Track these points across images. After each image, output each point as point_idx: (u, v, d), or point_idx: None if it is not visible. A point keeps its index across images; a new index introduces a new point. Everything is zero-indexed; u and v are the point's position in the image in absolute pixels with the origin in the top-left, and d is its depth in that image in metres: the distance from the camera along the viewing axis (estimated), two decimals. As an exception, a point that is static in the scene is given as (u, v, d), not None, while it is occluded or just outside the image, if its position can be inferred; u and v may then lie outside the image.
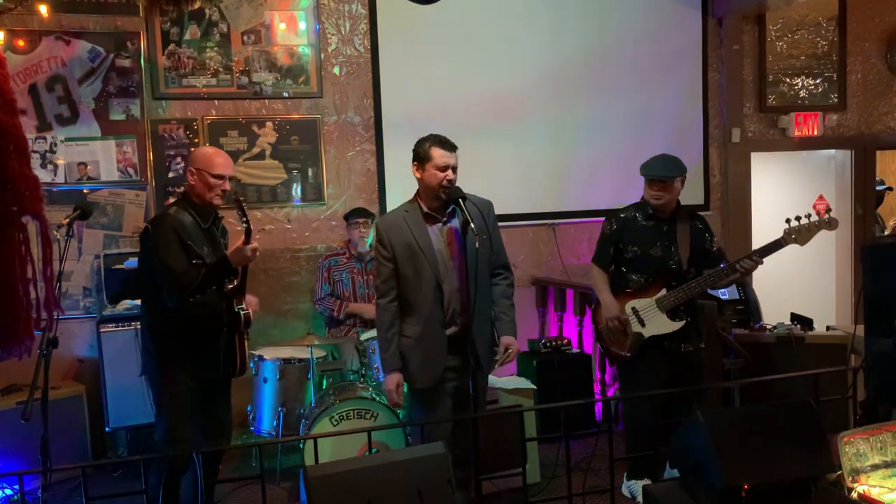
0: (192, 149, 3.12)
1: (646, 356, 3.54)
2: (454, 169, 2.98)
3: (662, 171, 3.54)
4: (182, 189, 3.16)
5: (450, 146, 2.98)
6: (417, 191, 3.08)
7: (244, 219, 2.94)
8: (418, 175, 3.01)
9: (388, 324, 3.01)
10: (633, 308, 3.55)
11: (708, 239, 3.65)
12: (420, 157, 2.99)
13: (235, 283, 3.05)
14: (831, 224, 3.37)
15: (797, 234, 3.36)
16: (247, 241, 2.93)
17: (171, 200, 3.22)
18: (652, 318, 3.52)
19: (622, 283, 3.64)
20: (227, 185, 3.11)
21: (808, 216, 3.36)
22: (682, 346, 3.56)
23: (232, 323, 3.08)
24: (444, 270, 2.99)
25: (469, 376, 3.03)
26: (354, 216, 4.53)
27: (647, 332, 3.52)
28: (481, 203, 3.04)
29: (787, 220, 3.37)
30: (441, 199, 2.99)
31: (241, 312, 3.09)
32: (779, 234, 3.42)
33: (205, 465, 2.99)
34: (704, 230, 3.67)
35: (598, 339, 3.73)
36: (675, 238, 3.58)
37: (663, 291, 3.52)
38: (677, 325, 3.51)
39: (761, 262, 3.40)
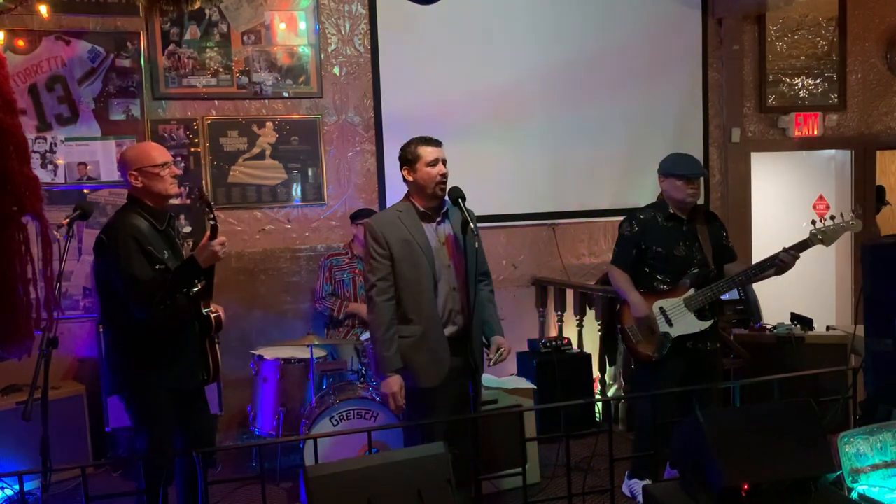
0: (119, 156, 2.92)
1: (669, 356, 3.53)
2: (444, 162, 2.98)
3: (698, 169, 3.55)
4: (127, 196, 2.96)
5: (435, 142, 2.99)
6: (408, 192, 3.07)
7: (211, 215, 2.80)
8: (410, 178, 2.99)
9: (387, 323, 2.94)
10: (660, 308, 3.53)
11: (724, 236, 3.68)
12: (408, 158, 2.98)
13: (199, 285, 2.90)
14: (856, 226, 3.34)
15: (823, 234, 3.33)
16: (213, 237, 2.77)
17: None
18: (679, 318, 3.50)
19: (648, 283, 3.61)
20: (177, 170, 2.96)
21: (833, 217, 3.34)
22: (707, 344, 3.56)
23: (202, 328, 2.96)
24: (440, 269, 2.99)
25: (468, 377, 3.03)
26: (361, 216, 4.52)
27: (675, 331, 3.50)
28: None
29: (813, 222, 3.35)
30: (438, 196, 2.98)
31: (211, 315, 2.96)
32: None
33: (190, 473, 2.97)
34: (721, 227, 3.70)
35: (624, 340, 3.70)
36: (696, 237, 3.58)
37: (691, 291, 3.50)
38: (705, 324, 3.49)
39: (798, 257, 3.36)
